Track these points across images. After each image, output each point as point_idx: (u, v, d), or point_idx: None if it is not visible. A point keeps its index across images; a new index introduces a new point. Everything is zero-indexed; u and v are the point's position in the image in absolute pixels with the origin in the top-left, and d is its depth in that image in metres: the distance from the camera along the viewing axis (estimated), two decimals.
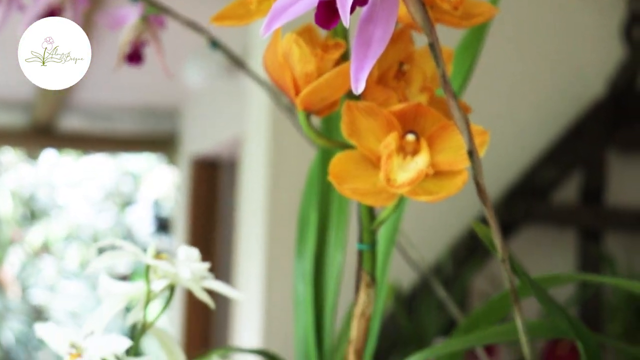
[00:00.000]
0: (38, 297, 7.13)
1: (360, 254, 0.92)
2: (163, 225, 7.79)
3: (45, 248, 7.09)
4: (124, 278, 7.55)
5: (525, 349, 0.88)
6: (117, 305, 0.89)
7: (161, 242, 7.74)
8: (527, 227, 2.61)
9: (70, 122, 4.36)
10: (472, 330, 1.06)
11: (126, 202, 7.40)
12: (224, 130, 3.67)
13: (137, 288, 0.90)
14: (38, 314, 7.24)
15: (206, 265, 0.91)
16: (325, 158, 1.20)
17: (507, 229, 2.54)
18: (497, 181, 2.52)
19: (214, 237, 3.80)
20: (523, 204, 2.49)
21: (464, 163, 0.86)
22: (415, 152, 0.86)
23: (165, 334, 0.90)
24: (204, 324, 3.91)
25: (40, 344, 7.34)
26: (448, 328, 2.36)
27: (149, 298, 0.90)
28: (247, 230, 2.79)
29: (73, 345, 0.86)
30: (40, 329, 0.89)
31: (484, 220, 2.55)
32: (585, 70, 2.69)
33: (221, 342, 3.89)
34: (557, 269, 2.57)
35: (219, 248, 3.89)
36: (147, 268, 0.90)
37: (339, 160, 0.86)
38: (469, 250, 2.50)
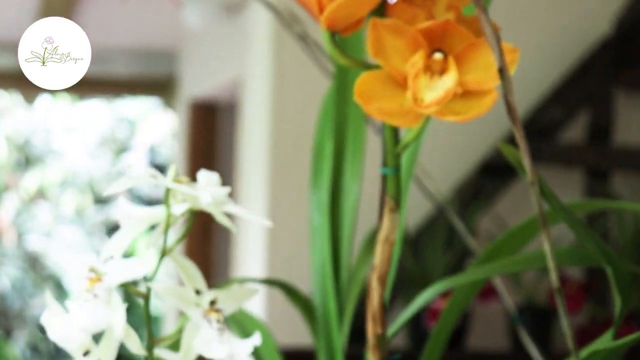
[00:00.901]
0: (33, 243, 7.12)
1: (384, 178, 0.90)
2: (160, 172, 7.76)
3: (40, 194, 7.07)
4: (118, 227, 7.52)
5: (553, 276, 0.86)
6: (136, 229, 0.87)
7: (157, 188, 7.72)
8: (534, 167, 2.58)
9: None
10: (492, 260, 1.04)
11: (122, 148, 7.37)
12: (223, 73, 3.63)
13: (156, 212, 0.88)
14: (33, 260, 7.24)
15: (227, 189, 0.88)
16: (340, 86, 1.18)
17: (513, 169, 2.51)
18: (502, 121, 2.50)
19: (217, 141, 3.78)
20: (529, 144, 2.46)
21: (493, 82, 0.84)
22: (442, 71, 0.83)
23: (185, 260, 0.88)
24: (205, 256, 3.89)
25: (36, 290, 7.35)
26: (453, 269, 2.35)
27: (169, 223, 0.87)
28: (249, 170, 2.77)
29: (92, 270, 0.84)
30: (56, 254, 0.87)
31: (495, 157, 2.53)
32: (592, 8, 2.65)
33: (223, 276, 3.88)
34: None
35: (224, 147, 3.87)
36: (167, 191, 0.88)
37: (364, 80, 0.83)
38: (475, 191, 2.49)
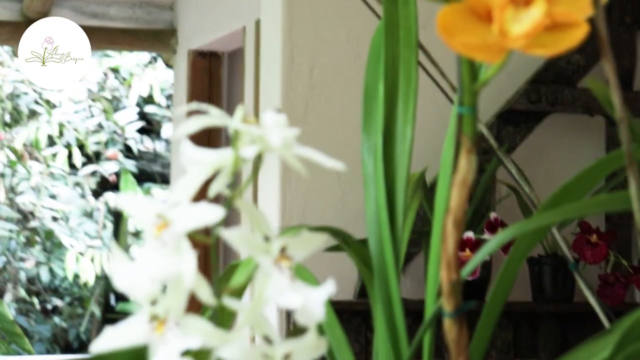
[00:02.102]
0: (24, 200, 7.05)
1: (460, 117, 0.86)
2: (150, 127, 7.71)
3: (31, 150, 7.00)
4: (114, 185, 7.49)
5: (638, 217, 0.82)
6: (203, 174, 0.82)
7: (148, 144, 7.66)
8: (554, 115, 2.55)
9: (61, 16, 4.22)
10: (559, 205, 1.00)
11: (114, 103, 7.29)
12: (224, 22, 3.57)
13: (223, 156, 0.84)
14: (24, 217, 7.18)
15: (296, 131, 0.84)
16: (389, 24, 1.13)
17: (534, 117, 2.48)
18: (523, 69, 2.46)
19: (215, 130, 3.72)
20: (549, 91, 2.43)
21: (583, 13, 0.80)
22: (528, 2, 0.79)
23: (253, 206, 0.84)
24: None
25: (25, 248, 7.30)
26: (472, 219, 2.32)
27: (236, 166, 0.83)
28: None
29: (160, 216, 0.80)
30: (122, 200, 0.82)
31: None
32: None
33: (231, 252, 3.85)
34: (585, 156, 2.53)
35: (222, 141, 3.82)
36: (235, 134, 0.83)
37: (446, 13, 0.79)
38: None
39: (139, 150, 7.59)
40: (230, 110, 0.84)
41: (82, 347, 7.58)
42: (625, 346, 0.84)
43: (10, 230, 7.06)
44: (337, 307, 1.17)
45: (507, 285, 1.02)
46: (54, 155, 7.07)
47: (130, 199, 0.82)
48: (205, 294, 0.81)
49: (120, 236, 7.64)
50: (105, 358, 0.81)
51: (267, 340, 0.83)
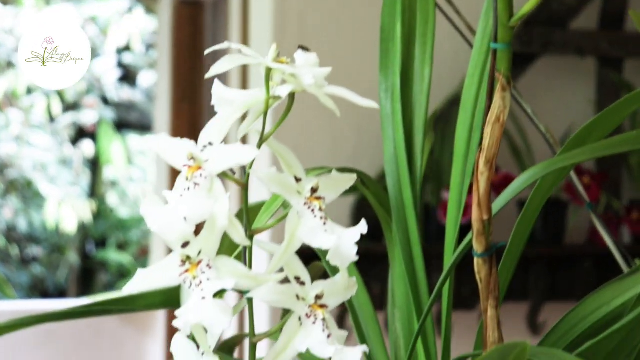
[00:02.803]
0: (4, 149, 7.00)
1: (494, 53, 0.85)
2: (128, 75, 7.64)
3: (10, 100, 6.93)
4: (92, 134, 7.44)
5: None
6: (234, 113, 0.81)
7: (126, 92, 7.60)
8: (545, 56, 2.54)
9: None
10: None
11: (92, 52, 7.22)
12: None
13: (255, 95, 0.82)
14: (4, 166, 7.13)
15: (327, 70, 0.83)
16: None
17: (526, 58, 2.47)
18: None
19: (199, 79, 3.70)
20: (541, 33, 2.41)
21: None
22: None
23: (282, 146, 0.83)
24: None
25: (3, 197, 7.25)
26: None
27: (268, 106, 0.82)
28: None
29: (192, 157, 0.79)
30: (152, 141, 0.81)
31: None
32: None
33: None
34: (576, 97, 2.53)
35: (205, 92, 3.80)
36: (268, 72, 0.82)
37: None
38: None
39: (117, 99, 7.53)
40: (215, 60, 0.82)
41: (61, 295, 7.57)
42: None
43: None
44: None
45: (529, 225, 1.02)
46: (33, 105, 7.01)
47: (161, 140, 0.80)
48: (239, 235, 0.80)
49: (97, 185, 7.61)
50: (138, 298, 0.80)
51: (299, 281, 0.82)
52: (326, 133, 2.48)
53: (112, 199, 7.60)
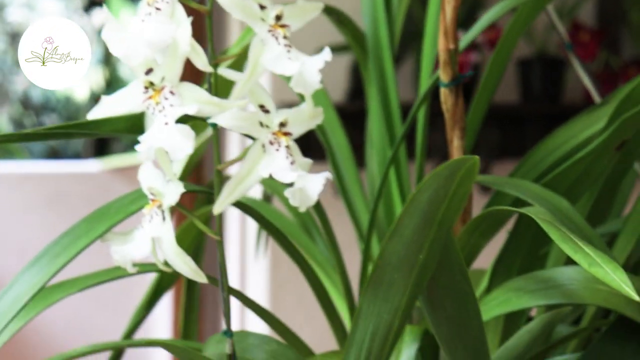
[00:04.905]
0: (15, 16, 6.98)
1: None
2: None
3: None
4: (101, 2, 7.38)
5: None
6: None
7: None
8: None
9: None
10: None
11: None
12: None
13: None
14: (15, 35, 7.12)
15: None
16: None
17: None
18: None
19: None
20: None
21: None
22: None
23: None
24: None
25: (17, 65, 7.26)
26: (467, 17, 2.29)
27: None
28: None
29: None
30: None
31: None
32: None
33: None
34: None
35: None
36: None
37: None
38: None
39: None
40: None
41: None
42: (622, 114, 0.84)
43: (1, 47, 7.01)
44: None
45: (503, 64, 1.02)
46: None
47: None
48: (201, 61, 0.81)
49: (109, 54, 7.59)
50: (102, 123, 0.81)
51: (263, 109, 0.83)
52: None
53: (123, 68, 7.60)
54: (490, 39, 2.32)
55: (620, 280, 0.62)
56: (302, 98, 0.84)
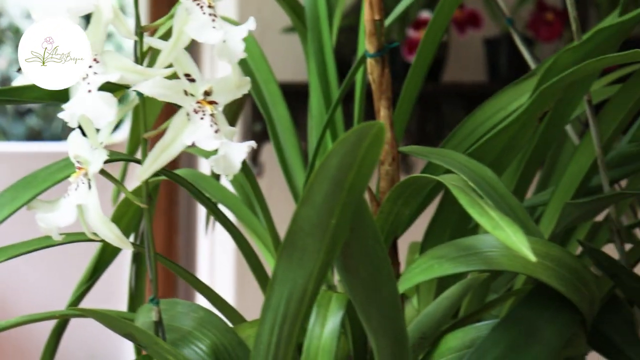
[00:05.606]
0: None
1: None
2: None
3: None
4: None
5: None
6: None
7: None
8: None
9: None
10: None
11: None
12: None
13: None
14: None
15: None
16: None
17: None
18: None
19: None
20: None
21: None
22: None
23: None
24: None
25: None
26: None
27: None
28: None
29: None
30: None
31: None
32: None
33: None
34: None
35: None
36: None
37: None
38: None
39: None
40: None
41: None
42: (544, 83, 0.85)
43: None
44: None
45: (424, 68, 1.01)
46: None
47: None
48: (125, 29, 0.81)
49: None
50: (27, 90, 0.82)
51: (189, 78, 0.83)
52: None
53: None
54: (455, 18, 2.33)
55: (519, 242, 0.63)
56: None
